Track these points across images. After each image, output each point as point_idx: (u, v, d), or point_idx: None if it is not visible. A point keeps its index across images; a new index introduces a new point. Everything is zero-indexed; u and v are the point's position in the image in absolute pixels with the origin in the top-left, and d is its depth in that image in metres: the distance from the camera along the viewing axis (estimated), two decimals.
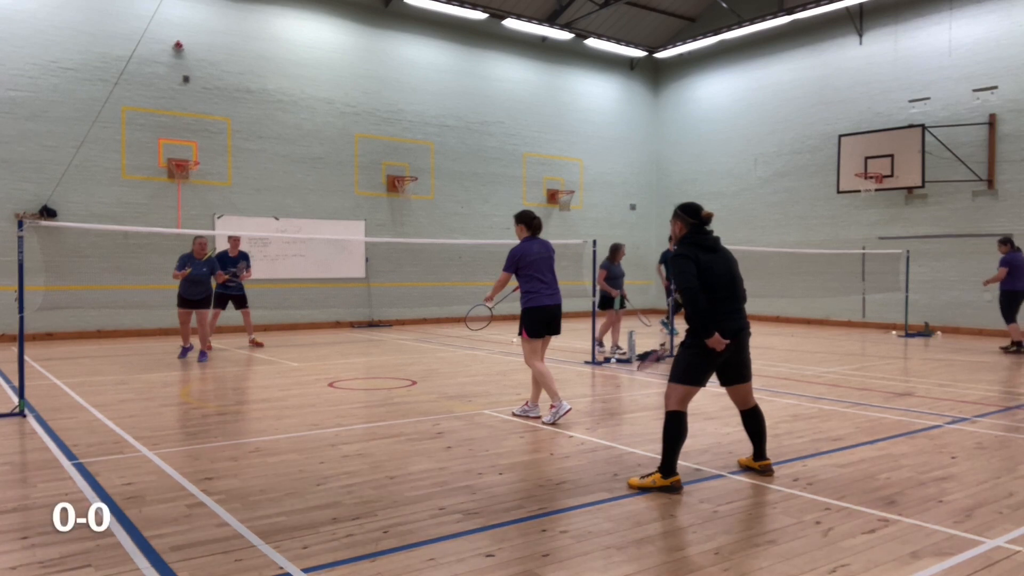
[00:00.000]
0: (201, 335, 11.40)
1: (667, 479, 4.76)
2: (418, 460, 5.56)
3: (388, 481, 5.00)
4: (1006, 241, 13.07)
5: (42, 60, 14.38)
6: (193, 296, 11.16)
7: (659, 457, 5.01)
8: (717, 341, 4.74)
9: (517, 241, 7.19)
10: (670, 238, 5.13)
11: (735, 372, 5.03)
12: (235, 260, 13.16)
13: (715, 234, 5.07)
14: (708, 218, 5.02)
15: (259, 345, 13.35)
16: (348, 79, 17.90)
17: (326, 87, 17.60)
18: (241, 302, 13.32)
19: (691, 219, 5.02)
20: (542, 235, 7.28)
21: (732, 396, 5.21)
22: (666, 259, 14.93)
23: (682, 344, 4.95)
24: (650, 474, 4.88)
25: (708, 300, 4.78)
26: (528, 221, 7.12)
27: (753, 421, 5.19)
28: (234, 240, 13.26)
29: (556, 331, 6.99)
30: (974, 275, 16.17)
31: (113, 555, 3.69)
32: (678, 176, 22.97)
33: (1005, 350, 12.72)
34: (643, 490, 4.77)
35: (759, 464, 5.24)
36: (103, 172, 14.98)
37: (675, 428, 4.80)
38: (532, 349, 6.90)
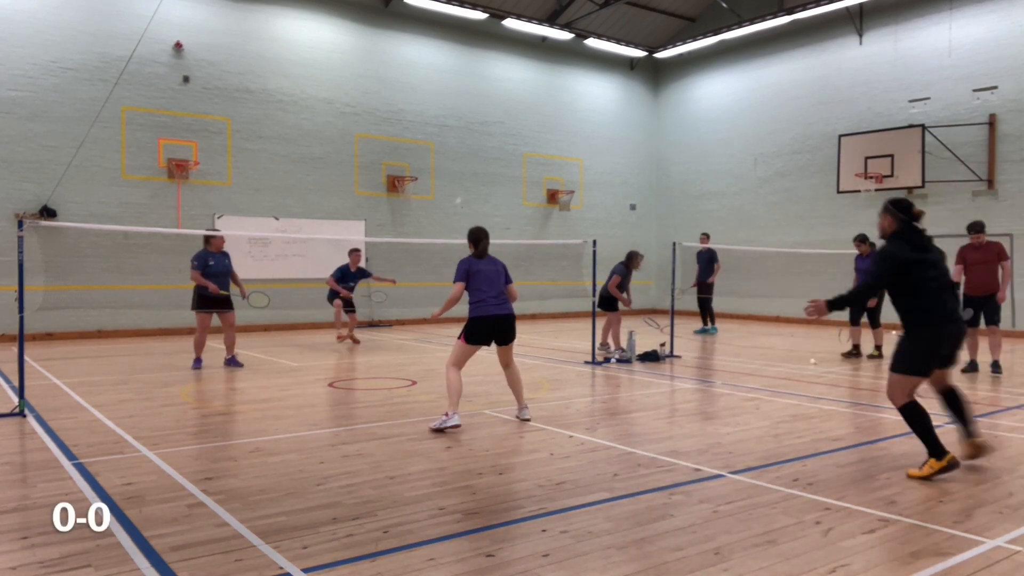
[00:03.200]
0: (229, 338, 10.61)
1: (941, 460, 4.87)
2: (418, 460, 5.56)
3: (388, 481, 5.00)
4: (864, 239, 12.05)
5: (42, 60, 14.38)
6: (223, 288, 10.27)
7: (657, 457, 5.15)
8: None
9: (516, 243, 7.24)
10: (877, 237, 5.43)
11: (950, 359, 5.20)
12: (356, 275, 13.68)
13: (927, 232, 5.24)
14: (919, 215, 5.18)
15: (356, 342, 13.66)
16: (348, 79, 17.90)
17: (326, 87, 17.60)
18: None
19: (903, 215, 5.16)
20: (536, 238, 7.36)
21: (932, 380, 5.27)
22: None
23: (908, 335, 5.06)
24: (924, 462, 4.95)
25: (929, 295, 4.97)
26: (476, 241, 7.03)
27: (954, 400, 5.28)
28: (355, 255, 13.66)
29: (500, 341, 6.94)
30: None
31: (113, 555, 3.69)
32: (678, 176, 22.97)
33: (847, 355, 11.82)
34: (925, 479, 4.89)
35: (976, 442, 5.22)
36: (103, 172, 14.98)
37: (916, 415, 4.94)
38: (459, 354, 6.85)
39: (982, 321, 9.78)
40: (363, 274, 13.89)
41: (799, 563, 3.64)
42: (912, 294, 4.99)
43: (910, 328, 5.03)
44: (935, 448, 4.90)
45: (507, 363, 7.04)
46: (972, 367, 9.96)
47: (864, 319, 11.87)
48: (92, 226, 12.82)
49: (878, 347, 11.83)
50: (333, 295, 13.70)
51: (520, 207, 20.74)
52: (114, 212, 14.99)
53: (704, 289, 16.31)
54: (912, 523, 4.21)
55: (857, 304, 5.04)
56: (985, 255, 9.76)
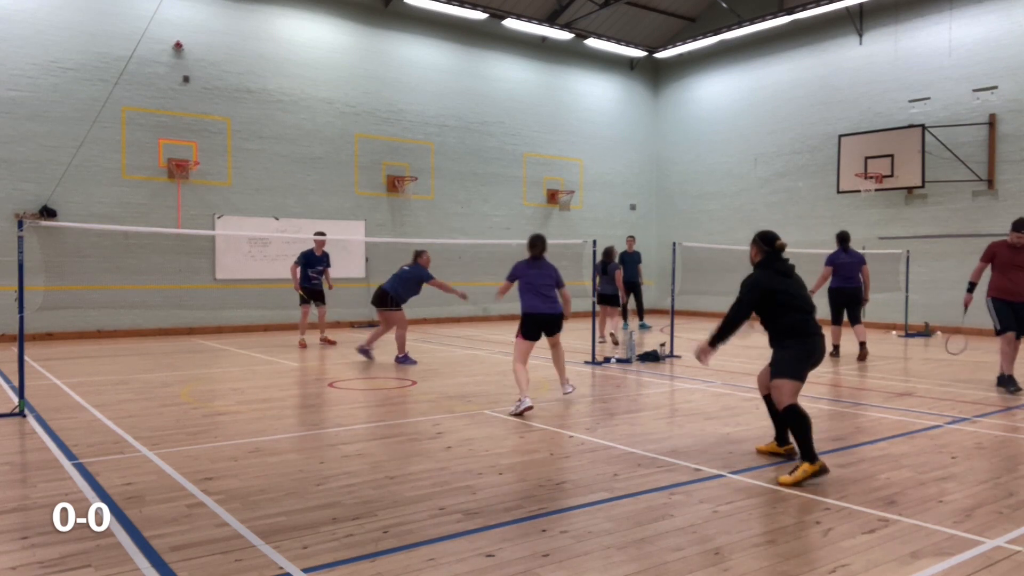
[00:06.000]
0: (401, 340, 11.24)
1: (815, 464, 5.00)
2: (418, 460, 5.56)
3: (388, 481, 5.00)
4: (846, 239, 12.03)
5: (42, 60, 14.38)
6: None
7: (657, 457, 5.21)
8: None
9: (510, 242, 7.51)
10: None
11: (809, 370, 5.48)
12: (321, 259, 13.48)
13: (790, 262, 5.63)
14: (782, 248, 5.59)
15: (331, 343, 13.56)
16: (348, 79, 17.90)
17: (326, 87, 17.60)
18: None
19: (766, 247, 5.58)
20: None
21: (766, 381, 5.58)
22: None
23: (781, 346, 5.39)
24: (796, 467, 5.04)
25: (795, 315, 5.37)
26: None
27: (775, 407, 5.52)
28: (321, 239, 13.44)
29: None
30: None
31: (113, 555, 3.69)
32: (678, 176, 22.97)
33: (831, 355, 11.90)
34: (797, 484, 4.94)
35: (784, 449, 5.66)
36: (103, 172, 14.98)
37: (801, 417, 5.14)
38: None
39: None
40: (327, 260, 13.54)
41: (799, 563, 3.64)
42: (780, 314, 5.39)
43: (780, 342, 5.39)
44: (810, 453, 5.01)
45: (554, 344, 8.16)
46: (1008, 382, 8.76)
47: (845, 318, 12.06)
48: (92, 226, 12.81)
49: (836, 347, 12.05)
50: (302, 297, 13.35)
51: (520, 207, 20.74)
52: (114, 212, 14.99)
53: (633, 288, 17.10)
54: (912, 523, 4.21)
55: (732, 331, 5.42)
56: None
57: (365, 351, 11.40)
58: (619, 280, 13.65)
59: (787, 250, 5.67)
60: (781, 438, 5.71)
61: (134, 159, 15.29)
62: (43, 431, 6.45)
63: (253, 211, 16.58)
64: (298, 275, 13.29)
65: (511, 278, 7.88)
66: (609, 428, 6.83)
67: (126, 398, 8.15)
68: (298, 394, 8.61)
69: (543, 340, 7.91)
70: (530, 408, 7.26)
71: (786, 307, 5.36)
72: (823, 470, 4.98)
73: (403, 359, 11.08)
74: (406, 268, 11.37)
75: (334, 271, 14.24)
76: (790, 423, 5.14)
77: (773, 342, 5.45)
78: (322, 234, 13.46)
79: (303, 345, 13.26)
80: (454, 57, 19.58)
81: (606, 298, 13.63)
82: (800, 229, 19.37)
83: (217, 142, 16.19)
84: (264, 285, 16.29)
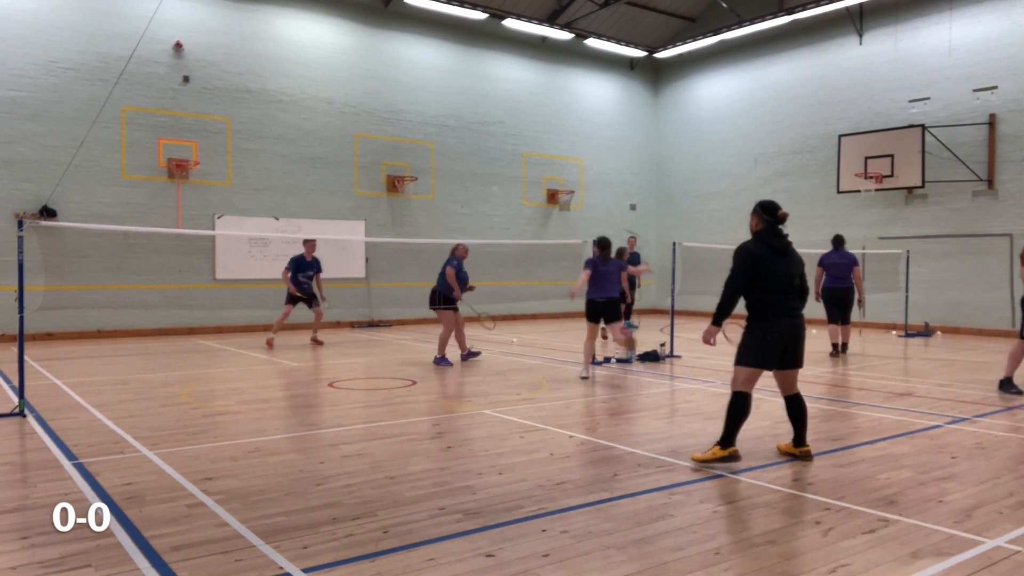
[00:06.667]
0: (460, 338, 11.25)
1: (725, 451, 5.27)
2: (418, 460, 5.56)
3: (388, 481, 5.00)
4: (839, 241, 12.46)
5: (42, 60, 14.38)
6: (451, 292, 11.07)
7: (657, 457, 5.23)
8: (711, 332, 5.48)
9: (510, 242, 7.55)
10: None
11: (791, 358, 5.47)
12: (312, 264, 13.35)
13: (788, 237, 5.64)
14: (783, 218, 5.57)
15: (319, 344, 13.50)
16: (348, 79, 17.90)
17: (326, 87, 17.60)
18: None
19: (768, 217, 5.56)
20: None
21: (778, 380, 5.60)
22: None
23: (748, 330, 5.45)
24: (710, 448, 5.30)
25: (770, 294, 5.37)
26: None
27: (796, 407, 5.58)
28: (310, 244, 13.30)
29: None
30: (974, 275, 16.18)
31: (113, 555, 3.69)
32: (678, 176, 22.96)
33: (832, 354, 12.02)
34: (705, 462, 5.29)
35: (799, 450, 5.59)
36: (103, 172, 14.98)
37: (740, 405, 5.31)
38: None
39: None
40: (318, 265, 13.36)
41: (799, 563, 3.64)
42: (759, 289, 5.38)
43: (750, 322, 5.44)
44: (727, 439, 5.29)
45: (610, 330, 10.15)
46: None
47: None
48: (92, 226, 12.80)
49: (835, 344, 12.13)
50: (291, 297, 13.23)
51: (520, 207, 20.73)
52: (114, 212, 14.99)
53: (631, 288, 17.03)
54: (912, 523, 4.21)
55: (732, 305, 5.44)
56: None
57: (440, 360, 10.94)
58: (628, 277, 13.68)
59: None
60: (798, 439, 5.62)
61: (134, 159, 15.28)
62: (43, 431, 6.45)
63: (253, 211, 16.58)
64: (289, 279, 13.19)
65: (589, 267, 9.57)
66: (609, 428, 6.83)
67: (126, 398, 8.15)
68: (298, 394, 8.61)
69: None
70: (586, 378, 9.37)
71: (762, 285, 5.36)
72: (732, 457, 5.28)
73: (440, 360, 10.89)
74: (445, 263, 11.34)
75: (334, 271, 14.24)
76: (729, 406, 5.33)
77: (747, 321, 5.49)
78: (311, 240, 13.33)
79: (270, 345, 12.96)
80: (454, 57, 19.58)
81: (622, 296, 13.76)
82: (800, 229, 19.34)
83: (217, 142, 16.19)
84: (264, 285, 16.28)
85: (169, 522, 4.16)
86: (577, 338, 13.64)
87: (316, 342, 13.60)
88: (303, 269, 13.26)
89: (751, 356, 5.35)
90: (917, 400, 8.15)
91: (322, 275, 13.59)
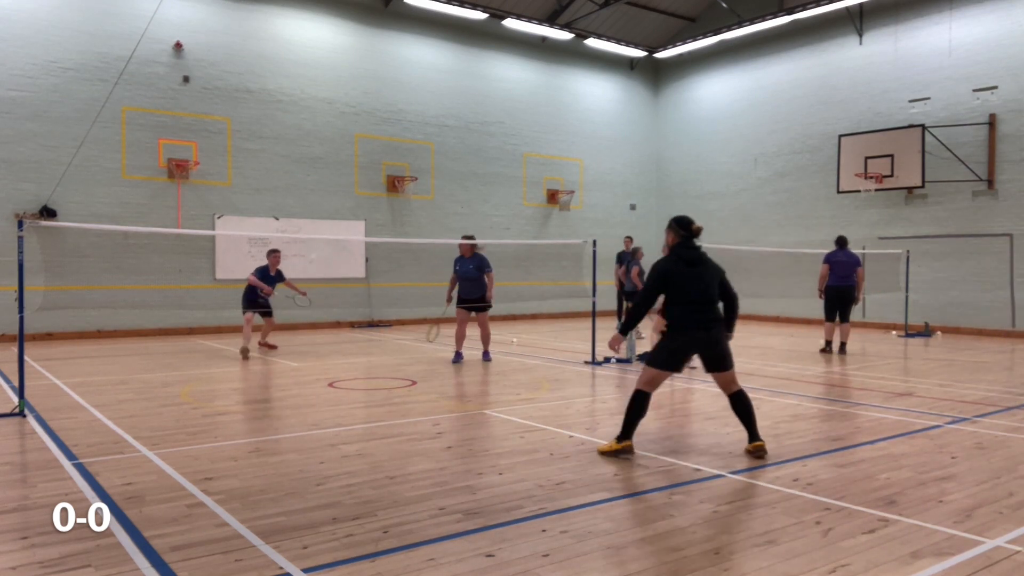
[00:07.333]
0: (485, 336, 11.53)
1: (621, 443, 5.62)
2: (418, 460, 5.56)
3: (388, 481, 5.00)
4: (842, 241, 12.77)
5: (42, 60, 14.38)
6: (470, 296, 11.22)
7: (657, 457, 5.33)
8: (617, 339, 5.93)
9: (511, 241, 7.45)
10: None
11: (714, 363, 5.74)
12: (274, 278, 12.74)
13: (701, 248, 5.90)
14: (698, 232, 5.86)
15: (272, 348, 12.99)
16: (348, 79, 17.90)
17: (326, 87, 17.60)
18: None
19: (683, 232, 5.88)
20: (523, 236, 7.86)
21: (717, 382, 5.88)
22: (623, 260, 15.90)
23: (664, 335, 5.78)
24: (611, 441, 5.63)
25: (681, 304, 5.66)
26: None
27: (739, 404, 5.76)
28: (275, 256, 12.75)
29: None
30: (974, 275, 16.18)
31: (113, 555, 3.69)
32: (678, 176, 22.96)
33: (822, 351, 12.49)
34: (605, 454, 5.64)
35: (752, 446, 5.65)
36: (103, 172, 14.98)
37: (639, 402, 5.63)
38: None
39: None
40: (280, 277, 12.81)
41: (799, 563, 3.64)
42: (671, 301, 5.69)
43: (668, 329, 5.73)
44: (626, 433, 5.61)
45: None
46: None
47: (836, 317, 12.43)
48: (92, 226, 12.80)
49: (828, 342, 12.48)
50: (249, 302, 12.45)
51: (520, 207, 20.74)
52: (114, 212, 14.99)
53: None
54: (912, 523, 4.20)
55: (638, 319, 5.85)
56: None
57: (485, 355, 11.51)
58: (635, 277, 13.75)
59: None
60: (750, 435, 5.69)
61: (134, 159, 15.28)
62: (43, 431, 6.45)
63: (253, 211, 16.58)
64: (256, 279, 12.49)
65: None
66: (609, 428, 6.82)
67: (126, 398, 8.15)
68: (298, 394, 8.60)
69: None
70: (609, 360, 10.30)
71: (673, 298, 5.65)
72: (627, 451, 5.60)
73: (456, 357, 11.33)
74: None
75: (334, 271, 14.18)
76: (629, 402, 5.64)
77: (665, 327, 5.79)
78: (276, 251, 12.84)
79: (245, 356, 11.86)
80: (454, 57, 19.58)
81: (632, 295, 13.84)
82: (800, 229, 19.38)
83: (217, 142, 16.19)
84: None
85: (169, 522, 4.16)
86: (578, 338, 13.64)
87: (268, 346, 12.91)
88: (265, 282, 12.55)
89: (658, 360, 5.67)
90: (917, 400, 8.15)
91: (315, 276, 13.35)
